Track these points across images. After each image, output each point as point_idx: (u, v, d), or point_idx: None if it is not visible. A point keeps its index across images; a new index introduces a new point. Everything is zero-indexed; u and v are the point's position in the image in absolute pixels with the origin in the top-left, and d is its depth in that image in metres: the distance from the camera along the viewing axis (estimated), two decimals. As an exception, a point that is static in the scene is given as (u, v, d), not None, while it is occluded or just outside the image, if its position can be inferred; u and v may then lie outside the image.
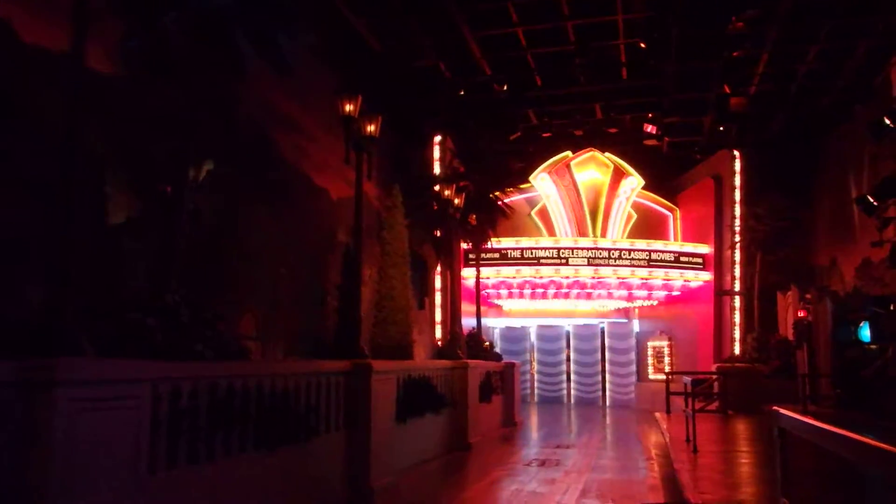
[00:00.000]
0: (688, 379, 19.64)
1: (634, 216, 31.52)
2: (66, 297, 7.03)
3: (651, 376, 32.26)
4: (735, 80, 24.60)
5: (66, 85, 7.57)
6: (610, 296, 30.69)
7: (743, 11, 20.28)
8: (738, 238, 28.76)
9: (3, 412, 5.86)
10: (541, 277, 29.09)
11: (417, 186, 22.20)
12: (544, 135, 30.72)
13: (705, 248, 30.24)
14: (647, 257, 29.35)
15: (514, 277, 29.31)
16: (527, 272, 29.07)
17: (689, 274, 29.99)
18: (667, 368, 30.78)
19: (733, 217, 29.13)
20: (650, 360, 32.74)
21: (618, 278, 29.25)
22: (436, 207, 22.49)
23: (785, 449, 7.65)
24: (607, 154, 30.79)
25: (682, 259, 29.92)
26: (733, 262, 29.11)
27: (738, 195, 29.28)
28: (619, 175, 30.70)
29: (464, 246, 27.32)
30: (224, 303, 12.57)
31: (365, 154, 14.74)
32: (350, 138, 14.43)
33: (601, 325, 34.43)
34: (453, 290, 25.54)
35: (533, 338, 35.49)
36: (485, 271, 27.73)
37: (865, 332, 18.87)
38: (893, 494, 5.37)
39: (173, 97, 10.36)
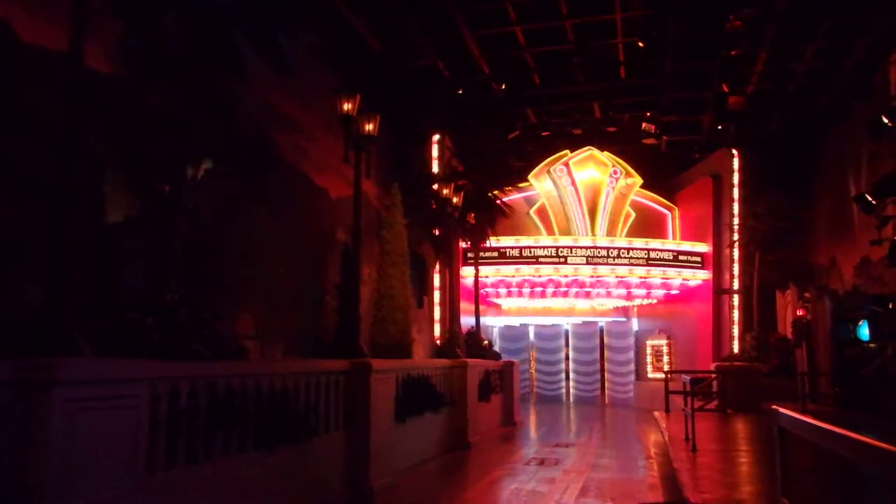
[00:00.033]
0: (687, 378, 19.57)
1: (633, 215, 31.50)
2: (64, 297, 7.03)
3: (650, 375, 32.26)
4: (733, 79, 24.59)
5: (64, 84, 7.57)
6: (609, 294, 30.68)
7: (741, 10, 20.25)
8: (736, 237, 28.75)
9: (1, 412, 5.86)
10: (540, 276, 29.07)
11: (416, 185, 22.19)
12: (543, 134, 30.65)
13: (704, 247, 30.22)
14: (646, 256, 29.33)
15: (513, 276, 29.29)
16: (526, 271, 29.06)
17: (688, 273, 29.96)
18: (666, 367, 30.83)
19: (732, 216, 29.13)
20: (649, 359, 32.74)
21: (616, 277, 29.23)
22: (434, 206, 22.50)
23: (784, 448, 7.66)
24: (606, 153, 30.77)
25: (681, 258, 29.90)
26: (732, 261, 29.11)
27: (736, 194, 29.29)
28: (617, 174, 30.66)
29: (462, 245, 27.36)
30: (223, 302, 12.55)
31: (364, 153, 14.75)
32: (349, 137, 14.44)
33: (600, 324, 34.46)
34: (452, 288, 25.59)
35: (532, 337, 35.49)
36: (484, 270, 27.73)
37: (864, 331, 18.86)
38: (893, 494, 5.36)
39: (172, 97, 10.35)
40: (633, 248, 29.43)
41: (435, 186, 22.73)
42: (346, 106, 14.19)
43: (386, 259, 18.19)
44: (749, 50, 22.88)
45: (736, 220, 28.92)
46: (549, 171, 30.55)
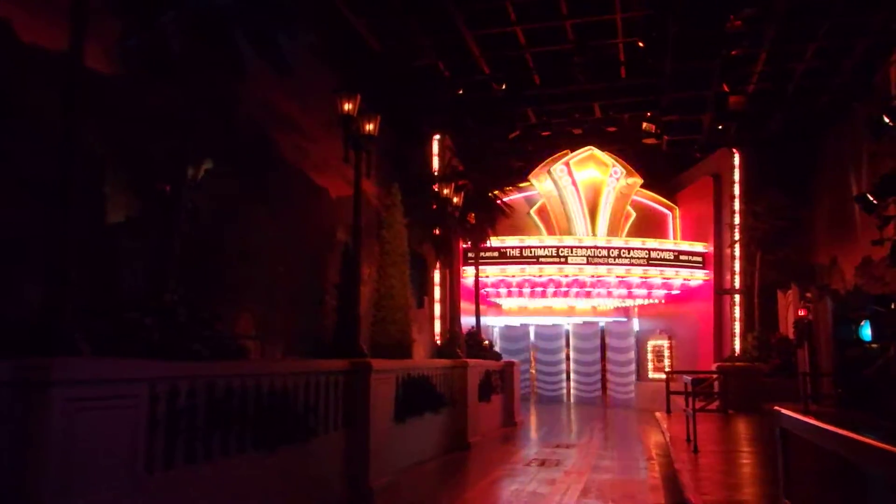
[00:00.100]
0: (688, 378, 19.55)
1: (633, 215, 31.51)
2: (64, 297, 7.01)
3: (651, 375, 32.24)
4: (733, 79, 24.63)
5: (64, 85, 7.55)
6: (609, 294, 30.67)
7: (741, 10, 20.27)
8: (737, 236, 28.73)
9: (1, 412, 5.85)
10: (540, 276, 29.05)
11: (417, 185, 22.16)
12: (543, 133, 30.68)
13: (705, 247, 30.20)
14: (647, 256, 29.30)
15: (513, 276, 29.26)
16: (526, 271, 29.03)
17: (689, 273, 29.93)
18: (667, 367, 30.81)
19: (733, 216, 29.12)
20: (650, 360, 32.71)
21: (617, 277, 29.20)
22: (435, 206, 22.47)
23: (787, 450, 7.64)
24: (606, 153, 30.75)
25: (682, 258, 29.87)
26: (733, 261, 29.09)
27: (737, 194, 29.27)
28: (618, 173, 30.63)
29: (463, 245, 27.34)
30: (222, 302, 12.53)
31: (364, 153, 14.74)
32: (349, 137, 14.43)
33: (601, 324, 34.41)
34: (452, 288, 25.57)
35: (532, 337, 35.42)
36: (484, 270, 27.69)
37: (866, 331, 18.85)
38: (895, 495, 5.35)
39: (172, 97, 10.33)
40: (633, 248, 29.41)
41: (435, 186, 22.70)
42: (347, 106, 14.18)
43: (386, 259, 18.14)
44: (749, 50, 22.90)
45: (737, 220, 28.89)
46: (549, 171, 30.52)
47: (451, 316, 24.48)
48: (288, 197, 17.17)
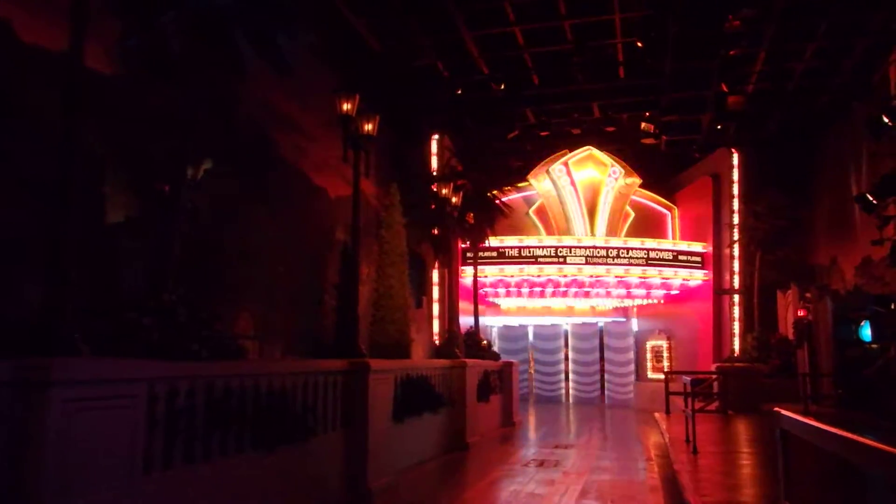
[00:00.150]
0: (687, 378, 19.56)
1: (632, 215, 31.52)
2: (63, 297, 7.00)
3: (650, 376, 32.23)
4: (733, 79, 24.59)
5: (64, 85, 7.54)
6: (608, 294, 30.66)
7: (740, 10, 20.26)
8: (736, 236, 28.73)
9: (0, 412, 5.84)
10: (539, 276, 29.04)
11: (415, 185, 22.16)
12: (542, 133, 30.63)
13: (704, 247, 30.19)
14: (646, 256, 29.29)
15: (512, 276, 29.24)
16: (525, 271, 29.01)
17: (688, 273, 29.91)
18: (666, 368, 30.79)
19: (732, 216, 29.13)
20: (649, 360, 32.70)
21: (616, 277, 29.19)
22: (434, 206, 22.46)
23: (787, 451, 7.63)
24: (605, 153, 30.75)
25: (681, 258, 29.85)
26: (732, 261, 29.09)
27: (736, 194, 29.28)
28: (616, 173, 30.62)
29: (462, 245, 27.34)
30: (222, 302, 12.52)
31: (363, 153, 14.74)
32: (348, 137, 14.45)
33: (600, 325, 34.43)
34: (451, 288, 25.57)
35: (531, 337, 35.45)
36: (483, 270, 27.68)
37: (866, 332, 18.85)
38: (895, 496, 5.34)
39: (172, 97, 10.32)
40: (632, 248, 29.40)
41: (434, 186, 22.69)
42: (346, 106, 14.19)
43: (385, 259, 18.14)
44: (748, 50, 22.90)
45: (736, 220, 28.90)
46: (548, 171, 30.52)
47: (450, 316, 24.47)
48: (287, 197, 17.17)
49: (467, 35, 22.45)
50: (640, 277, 29.38)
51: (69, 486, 6.07)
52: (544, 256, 28.99)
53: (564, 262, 28.83)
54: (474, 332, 24.67)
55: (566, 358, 34.87)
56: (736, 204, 29.17)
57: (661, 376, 27.72)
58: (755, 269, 27.88)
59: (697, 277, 30.00)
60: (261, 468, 9.28)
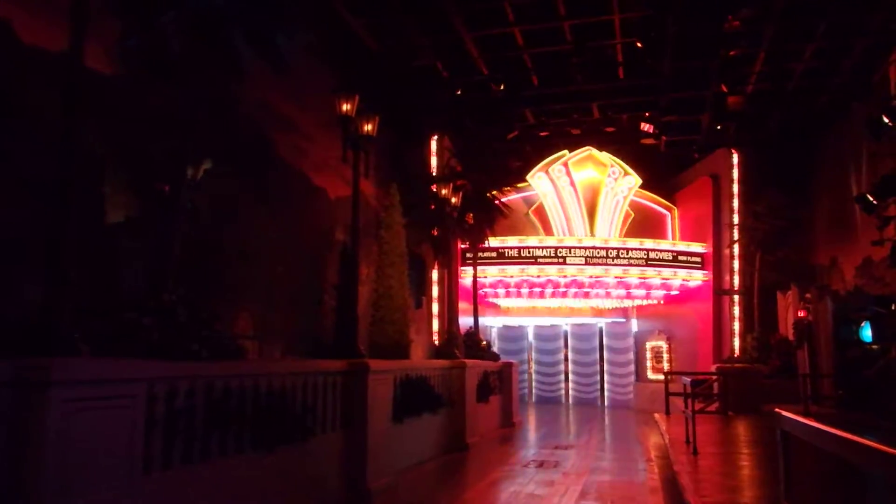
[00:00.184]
0: (687, 379, 19.54)
1: (632, 215, 31.46)
2: (62, 297, 7.00)
3: (650, 376, 32.20)
4: (732, 79, 24.59)
5: (64, 85, 7.54)
6: (608, 295, 30.62)
7: (739, 10, 20.25)
8: (736, 237, 28.72)
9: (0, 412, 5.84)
10: (538, 276, 28.99)
11: (415, 185, 22.13)
12: (541, 134, 30.68)
13: (703, 248, 30.16)
14: (646, 256, 29.26)
15: (511, 276, 29.20)
16: (526, 271, 28.96)
17: (688, 273, 29.86)
18: (666, 368, 30.75)
19: (732, 216, 29.11)
20: (649, 360, 32.67)
21: (616, 277, 29.15)
22: (433, 206, 22.46)
23: (788, 452, 7.62)
24: (605, 153, 30.73)
25: (681, 258, 29.82)
26: (732, 262, 29.06)
27: (736, 194, 29.25)
28: (616, 174, 30.61)
29: (461, 245, 27.32)
30: (221, 302, 12.52)
31: (362, 153, 14.76)
32: (347, 137, 14.46)
33: (599, 325, 34.41)
34: (451, 289, 25.54)
35: (531, 337, 35.47)
36: (482, 270, 27.66)
37: (867, 332, 18.85)
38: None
39: (172, 97, 10.32)
40: (632, 249, 29.36)
41: (434, 187, 22.69)
42: (345, 106, 14.19)
43: (384, 259, 18.10)
44: (748, 50, 22.91)
45: (736, 220, 28.88)
46: (547, 172, 30.50)
47: (450, 316, 24.45)
48: (287, 197, 17.16)
49: (467, 35, 22.44)
50: (640, 278, 29.34)
51: (69, 486, 6.08)
52: (544, 257, 28.96)
53: (564, 263, 28.79)
54: (474, 332, 24.66)
55: (566, 358, 34.88)
56: (736, 204, 29.15)
57: (661, 377, 27.68)
58: (755, 269, 27.87)
59: (697, 278, 29.96)
60: (260, 468, 9.28)
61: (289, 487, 10.03)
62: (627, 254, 29.17)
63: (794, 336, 24.31)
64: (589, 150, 30.70)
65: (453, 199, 22.39)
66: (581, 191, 30.40)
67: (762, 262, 27.72)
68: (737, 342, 28.46)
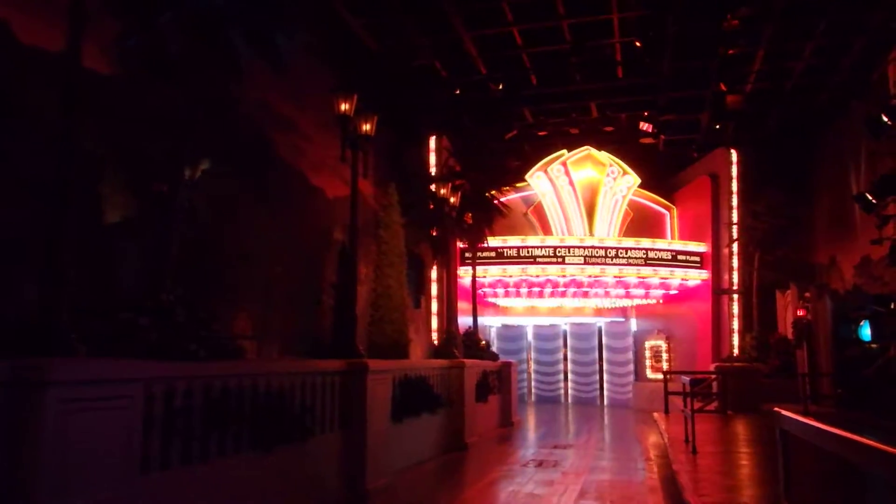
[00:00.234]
0: (686, 378, 19.52)
1: (631, 214, 31.43)
2: (60, 297, 7.00)
3: (649, 376, 32.17)
4: (731, 78, 24.59)
5: (63, 85, 7.53)
6: (607, 294, 30.60)
7: (738, 9, 20.25)
8: (735, 236, 28.71)
9: (-3, 412, 5.83)
10: (537, 276, 28.98)
11: (414, 185, 22.14)
12: (540, 133, 30.72)
13: (703, 247, 30.13)
14: (644, 256, 29.24)
15: (510, 276, 29.19)
16: (528, 270, 28.93)
17: (687, 272, 29.83)
18: (665, 368, 30.71)
19: (731, 215, 29.08)
20: (648, 360, 32.65)
21: (614, 277, 29.13)
22: (432, 206, 22.47)
23: (787, 451, 7.61)
24: (603, 152, 30.72)
25: (680, 258, 29.79)
26: (731, 261, 29.04)
27: (735, 193, 29.24)
28: (615, 173, 30.60)
29: (460, 245, 27.31)
30: (220, 302, 12.52)
31: (361, 153, 14.76)
32: (346, 137, 14.45)
33: (598, 324, 34.37)
34: (449, 288, 25.54)
35: (530, 337, 35.42)
36: (480, 270, 27.65)
37: (866, 331, 18.84)
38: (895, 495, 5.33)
39: (171, 97, 10.31)
40: (631, 248, 29.33)
41: (432, 186, 22.70)
42: (344, 106, 14.18)
43: (383, 259, 18.08)
44: (747, 48, 22.91)
45: (735, 219, 28.87)
46: (546, 171, 30.48)
47: (448, 316, 24.45)
48: (285, 197, 17.15)
49: (465, 35, 22.45)
50: (639, 277, 29.31)
51: (66, 487, 6.06)
52: (543, 256, 28.93)
53: (563, 262, 28.76)
54: (473, 332, 24.65)
55: (565, 358, 34.84)
56: (735, 203, 29.13)
57: (660, 376, 27.61)
58: (754, 268, 27.85)
59: (696, 277, 29.94)
60: (259, 469, 9.26)
61: (287, 488, 10.01)
62: (626, 253, 29.15)
63: (793, 335, 24.32)
64: (588, 150, 30.69)
65: (452, 199, 22.39)
66: (580, 190, 30.38)
67: (761, 262, 27.70)
68: (736, 341, 28.44)
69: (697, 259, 29.99)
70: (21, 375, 5.90)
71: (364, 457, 12.20)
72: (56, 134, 7.43)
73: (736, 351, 28.08)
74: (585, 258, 28.80)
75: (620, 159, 30.67)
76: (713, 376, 24.34)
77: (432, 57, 24.06)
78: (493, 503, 12.54)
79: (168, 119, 10.34)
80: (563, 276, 28.86)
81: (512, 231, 29.47)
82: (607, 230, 30.46)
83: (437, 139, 27.29)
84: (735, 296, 28.80)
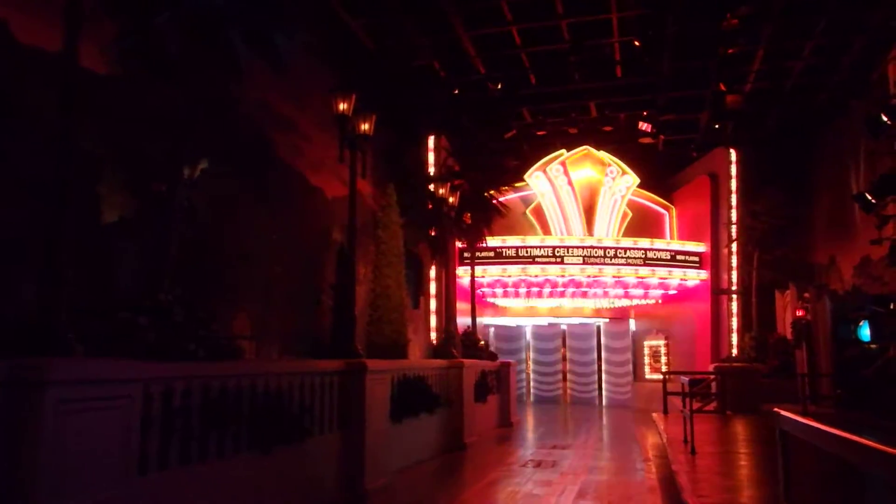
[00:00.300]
0: (685, 379, 19.51)
1: (630, 214, 31.43)
2: (58, 297, 6.99)
3: (648, 376, 32.17)
4: (730, 78, 24.60)
5: (61, 85, 7.52)
6: (606, 294, 30.61)
7: (738, 8, 20.26)
8: (734, 236, 28.70)
9: (-5, 413, 5.82)
10: (536, 276, 29.00)
11: (412, 185, 22.14)
12: (539, 133, 30.71)
13: (702, 247, 30.13)
14: (643, 256, 29.24)
15: (509, 276, 29.20)
16: (528, 270, 28.94)
17: (686, 273, 29.84)
18: (664, 368, 30.71)
19: (730, 215, 29.07)
20: (647, 360, 32.64)
21: (613, 277, 29.13)
22: (431, 206, 22.47)
23: (786, 452, 7.59)
24: (602, 152, 30.71)
25: (679, 258, 29.79)
26: (730, 261, 29.03)
27: (734, 193, 29.22)
28: (614, 173, 30.58)
29: (459, 245, 27.30)
30: (219, 302, 12.52)
31: (359, 153, 14.73)
32: (344, 137, 14.43)
33: (597, 324, 34.33)
34: (448, 288, 25.53)
35: (529, 337, 35.39)
36: (479, 270, 27.63)
37: (865, 332, 18.83)
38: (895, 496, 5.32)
39: (169, 97, 10.30)
40: (630, 248, 29.33)
41: (431, 186, 22.70)
42: (342, 105, 14.16)
43: (382, 259, 18.07)
44: (746, 48, 22.92)
45: (734, 219, 28.85)
46: (545, 171, 30.49)
47: (447, 316, 24.42)
48: (284, 197, 17.15)
49: (464, 35, 22.45)
50: (638, 277, 29.32)
51: (64, 487, 6.05)
52: (542, 256, 28.95)
53: (562, 262, 28.77)
54: (471, 332, 24.63)
55: (564, 358, 34.82)
56: (734, 203, 29.12)
57: (659, 376, 27.60)
58: (753, 268, 27.84)
59: (695, 277, 29.94)
60: (257, 469, 9.25)
61: (286, 488, 10.00)
62: (625, 253, 29.15)
63: (792, 335, 24.31)
64: (587, 150, 30.69)
65: (451, 199, 22.38)
66: (579, 190, 30.39)
67: (760, 261, 27.68)
68: (735, 341, 28.44)
69: (696, 259, 29.99)
70: (20, 375, 5.89)
71: (363, 457, 12.19)
72: (55, 134, 7.42)
73: (735, 351, 28.07)
74: (584, 258, 28.81)
75: (619, 159, 30.68)
76: (712, 376, 24.32)
77: (431, 57, 24.06)
78: (491, 503, 12.53)
79: (167, 119, 10.33)
80: (563, 276, 28.86)
81: (511, 231, 29.49)
82: (606, 230, 30.46)
83: (435, 139, 27.32)
84: (734, 296, 28.79)
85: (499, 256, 28.93)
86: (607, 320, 33.94)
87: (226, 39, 10.21)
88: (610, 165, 30.53)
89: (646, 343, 32.90)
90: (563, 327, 34.81)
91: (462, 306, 26.74)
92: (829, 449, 5.93)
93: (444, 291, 26.47)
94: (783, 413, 7.52)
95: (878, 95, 21.03)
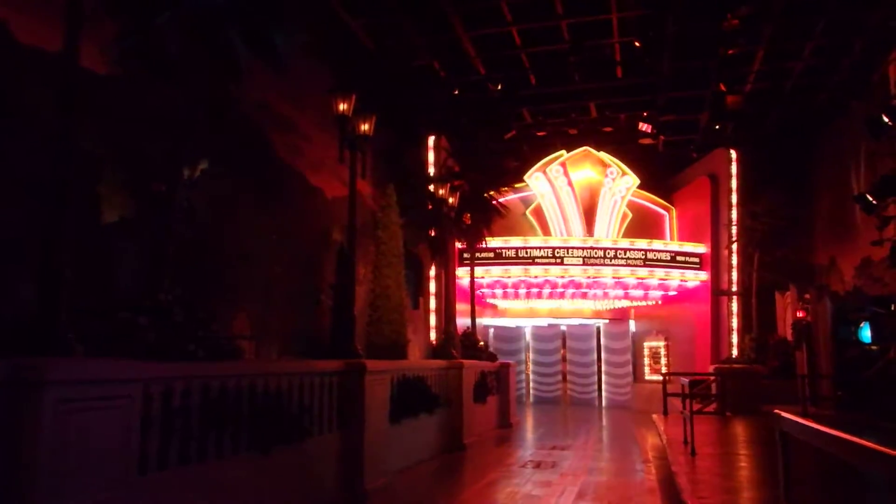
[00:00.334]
0: (685, 380, 19.51)
1: (630, 215, 31.40)
2: (58, 297, 6.98)
3: (647, 377, 32.13)
4: (731, 78, 24.58)
5: (61, 85, 7.52)
6: (605, 295, 30.57)
7: (738, 9, 20.25)
8: (734, 237, 28.67)
9: (-6, 413, 5.81)
10: (536, 277, 28.96)
11: (412, 186, 22.13)
12: (539, 134, 30.71)
13: (702, 248, 30.09)
14: (643, 257, 29.20)
15: (509, 277, 29.17)
16: (522, 271, 28.93)
17: (686, 273, 29.80)
18: (663, 369, 30.68)
19: (730, 216, 29.03)
20: (647, 361, 32.60)
21: (613, 278, 29.10)
22: (430, 207, 22.46)
23: (787, 453, 7.58)
24: (603, 153, 30.69)
25: (679, 259, 29.76)
26: (730, 262, 29.00)
27: (734, 193, 29.18)
28: (614, 174, 30.56)
29: (458, 245, 27.28)
30: (219, 302, 12.52)
31: (359, 153, 14.73)
32: (344, 137, 14.42)
33: (597, 325, 34.31)
34: (448, 289, 25.52)
35: (528, 338, 35.35)
36: (479, 271, 27.60)
37: (865, 333, 18.84)
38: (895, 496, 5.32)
39: (169, 97, 10.29)
40: (630, 249, 29.28)
41: (431, 187, 22.70)
42: (342, 106, 14.16)
43: (381, 259, 18.06)
44: (746, 48, 22.90)
45: (734, 220, 28.82)
46: (545, 172, 30.46)
47: (447, 316, 24.40)
48: (284, 197, 17.16)
49: (464, 35, 22.46)
50: (638, 278, 29.27)
51: (64, 487, 6.04)
52: (541, 257, 28.91)
53: (561, 263, 28.73)
54: (471, 332, 24.61)
55: (563, 359, 34.80)
56: (734, 203, 29.07)
57: (659, 377, 27.57)
58: (753, 269, 27.83)
59: (695, 278, 29.89)
60: (257, 469, 9.24)
61: (285, 488, 9.99)
62: (625, 254, 29.11)
63: (792, 336, 24.32)
64: (587, 150, 30.66)
65: (450, 200, 22.37)
66: (579, 191, 30.36)
67: (760, 262, 27.67)
68: (735, 342, 28.40)
69: (696, 260, 29.95)
70: (19, 375, 5.87)
71: (362, 457, 12.18)
72: (54, 133, 7.41)
73: (735, 352, 28.02)
74: (584, 259, 28.78)
75: (619, 160, 30.64)
76: (712, 377, 24.31)
77: (431, 57, 24.06)
78: (491, 504, 12.54)
79: (167, 119, 10.32)
80: (563, 276, 28.83)
81: (511, 232, 29.47)
82: (606, 231, 30.43)
83: (435, 139, 27.33)
84: (734, 297, 28.75)
85: (498, 257, 28.89)
86: (607, 321, 33.91)
87: (226, 39, 10.20)
88: (610, 166, 30.50)
89: (646, 344, 32.87)
90: (563, 328, 34.78)
91: (462, 307, 26.73)
92: (830, 450, 5.92)
93: (443, 292, 26.46)
94: (783, 414, 7.51)
95: (878, 96, 21.05)
